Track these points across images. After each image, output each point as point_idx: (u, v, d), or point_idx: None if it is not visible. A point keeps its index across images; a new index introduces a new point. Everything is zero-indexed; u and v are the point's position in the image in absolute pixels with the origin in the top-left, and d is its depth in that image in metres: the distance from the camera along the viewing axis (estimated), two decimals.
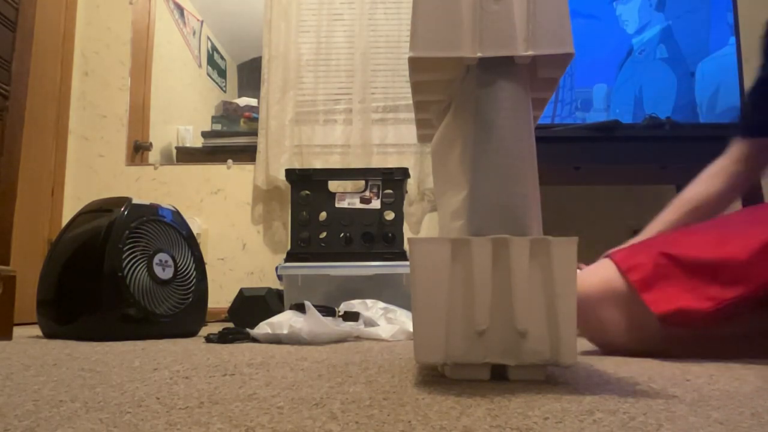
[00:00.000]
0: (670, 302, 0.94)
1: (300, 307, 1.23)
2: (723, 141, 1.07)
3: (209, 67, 3.46)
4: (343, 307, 1.43)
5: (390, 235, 1.81)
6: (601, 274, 1.00)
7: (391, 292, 1.65)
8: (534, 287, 0.60)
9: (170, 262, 1.42)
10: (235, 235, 2.41)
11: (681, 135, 1.75)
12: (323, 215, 1.84)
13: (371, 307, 1.42)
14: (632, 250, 1.03)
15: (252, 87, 3.02)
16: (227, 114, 2.76)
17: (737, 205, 1.10)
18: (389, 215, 1.83)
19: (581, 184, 2.17)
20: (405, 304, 1.45)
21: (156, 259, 1.39)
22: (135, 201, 1.41)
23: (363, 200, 1.83)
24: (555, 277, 0.60)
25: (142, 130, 2.58)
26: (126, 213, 1.37)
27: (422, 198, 2.30)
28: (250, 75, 3.39)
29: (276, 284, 1.88)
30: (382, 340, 1.26)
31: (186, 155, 2.66)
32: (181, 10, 3.08)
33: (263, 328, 1.20)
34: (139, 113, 2.56)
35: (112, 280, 1.30)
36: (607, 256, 1.04)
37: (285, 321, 1.19)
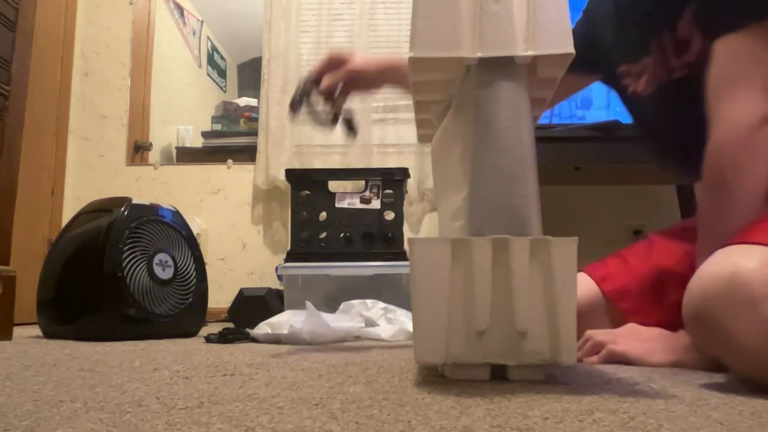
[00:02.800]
0: (645, 313, 0.96)
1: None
2: None
3: (209, 67, 3.46)
4: (343, 307, 1.43)
5: (390, 235, 1.81)
6: (580, 289, 1.01)
7: (391, 292, 1.65)
8: (534, 287, 0.60)
9: (170, 262, 1.42)
10: (235, 235, 2.41)
11: None
12: (323, 215, 1.84)
13: (371, 307, 1.42)
14: (603, 261, 1.06)
15: (252, 87, 3.02)
16: (227, 114, 2.76)
17: None
18: (389, 215, 1.83)
19: (581, 184, 2.17)
20: (405, 304, 1.45)
21: (156, 259, 1.39)
22: (135, 201, 1.41)
23: (363, 200, 1.83)
24: (555, 277, 0.60)
25: (142, 130, 2.58)
26: (126, 213, 1.37)
27: (422, 198, 2.30)
28: (250, 75, 3.38)
29: (276, 284, 1.88)
30: (382, 340, 1.26)
31: (186, 155, 2.66)
32: (181, 10, 3.08)
33: (263, 328, 1.20)
34: (139, 113, 2.56)
35: (112, 280, 1.30)
36: (582, 270, 1.05)
37: (285, 321, 1.19)
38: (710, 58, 0.78)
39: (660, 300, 0.94)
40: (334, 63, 1.07)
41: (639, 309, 0.97)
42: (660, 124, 1.00)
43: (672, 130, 0.98)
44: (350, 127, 1.12)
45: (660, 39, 0.90)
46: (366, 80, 1.08)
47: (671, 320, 0.72)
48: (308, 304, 1.20)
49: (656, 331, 0.85)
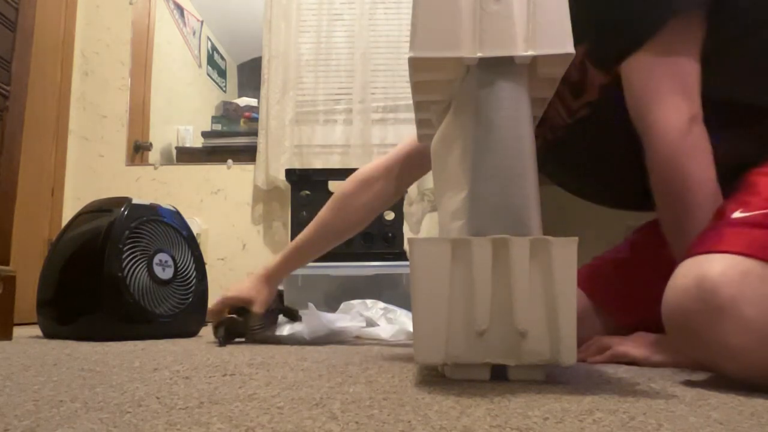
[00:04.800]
0: (626, 310, 0.96)
1: (288, 312, 1.21)
2: None
3: (209, 67, 3.45)
4: (343, 307, 1.43)
5: (390, 235, 1.81)
6: None
7: (391, 292, 1.65)
8: (534, 287, 0.60)
9: (170, 262, 1.42)
10: (235, 235, 2.41)
11: None
12: None
13: (371, 307, 1.42)
14: (588, 266, 1.07)
15: (252, 87, 3.01)
16: (227, 114, 2.76)
17: None
18: (389, 215, 1.83)
19: None
20: (405, 304, 1.45)
21: (156, 259, 1.39)
22: (135, 201, 1.41)
23: None
24: (555, 277, 0.60)
25: (142, 130, 2.58)
26: (126, 213, 1.37)
27: (422, 198, 2.30)
28: (250, 75, 3.38)
29: None
30: (382, 340, 1.26)
31: (186, 155, 2.66)
32: (181, 10, 3.08)
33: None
34: (139, 113, 2.56)
35: (112, 280, 1.30)
36: None
37: (285, 321, 1.19)
38: (618, 85, 0.80)
39: (640, 295, 0.95)
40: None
41: (621, 307, 0.99)
42: (579, 164, 1.01)
43: (592, 165, 0.99)
44: (292, 316, 1.20)
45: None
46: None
47: (656, 315, 0.72)
48: (310, 305, 1.20)
49: (662, 336, 0.86)
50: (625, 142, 0.81)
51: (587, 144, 0.94)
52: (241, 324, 1.15)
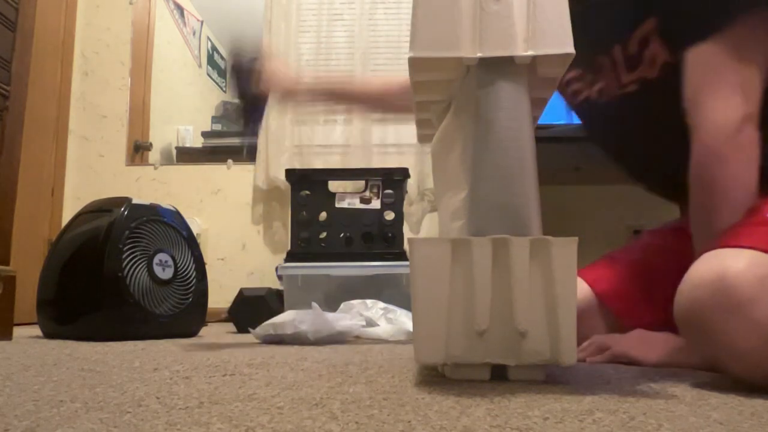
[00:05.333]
0: (637, 312, 0.96)
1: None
2: None
3: (209, 67, 3.45)
4: (343, 307, 1.43)
5: (390, 235, 1.81)
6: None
7: (391, 292, 1.65)
8: (534, 287, 0.60)
9: (170, 262, 1.42)
10: (235, 235, 2.41)
11: None
12: (323, 215, 1.84)
13: (371, 307, 1.42)
14: (594, 264, 1.07)
15: None
16: (227, 114, 2.76)
17: None
18: (389, 215, 1.83)
19: (581, 184, 2.17)
20: (405, 304, 1.45)
21: (156, 259, 1.39)
22: (135, 201, 1.41)
23: (363, 200, 1.83)
24: (555, 277, 0.60)
25: (142, 130, 2.57)
26: (126, 213, 1.37)
27: (422, 198, 2.30)
28: None
29: (276, 284, 1.88)
30: (382, 340, 1.26)
31: (186, 155, 2.66)
32: (181, 10, 3.08)
33: (266, 328, 1.20)
34: (139, 113, 2.56)
35: (112, 280, 1.30)
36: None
37: (288, 321, 1.19)
38: (682, 68, 0.79)
39: (651, 299, 0.95)
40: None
41: (631, 308, 0.98)
42: (615, 134, 1.01)
43: (627, 141, 0.99)
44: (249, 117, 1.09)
45: (612, 53, 0.90)
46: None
47: (665, 319, 0.72)
48: (314, 305, 1.20)
49: (661, 335, 0.86)
50: (668, 129, 0.80)
51: (632, 119, 0.93)
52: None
